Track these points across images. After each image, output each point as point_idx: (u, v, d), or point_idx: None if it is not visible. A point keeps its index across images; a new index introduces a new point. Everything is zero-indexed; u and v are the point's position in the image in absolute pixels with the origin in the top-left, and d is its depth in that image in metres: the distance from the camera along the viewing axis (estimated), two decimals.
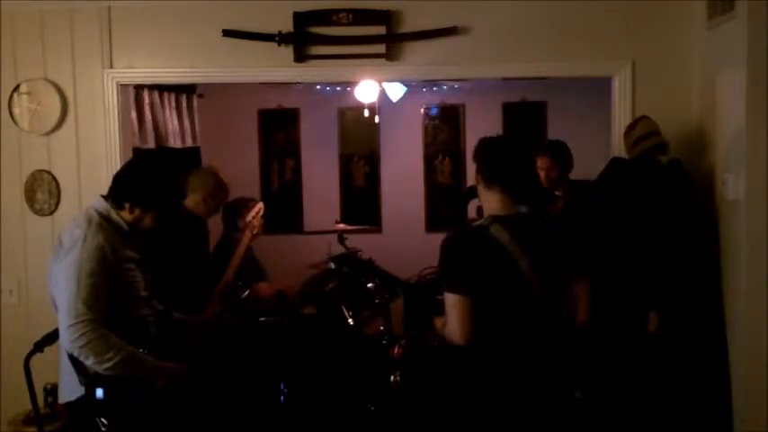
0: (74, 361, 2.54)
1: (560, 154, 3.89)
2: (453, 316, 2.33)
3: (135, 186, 2.72)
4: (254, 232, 3.88)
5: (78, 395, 2.59)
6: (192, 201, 3.67)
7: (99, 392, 2.52)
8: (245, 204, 4.09)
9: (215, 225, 4.24)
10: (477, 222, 2.46)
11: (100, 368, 2.49)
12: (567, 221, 3.04)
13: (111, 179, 3.66)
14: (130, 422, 2.56)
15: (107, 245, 2.57)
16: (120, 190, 2.72)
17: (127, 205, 2.69)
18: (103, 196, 2.74)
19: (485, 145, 2.51)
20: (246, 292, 3.62)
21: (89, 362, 2.48)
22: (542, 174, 3.83)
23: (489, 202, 2.46)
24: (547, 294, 2.37)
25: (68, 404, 2.70)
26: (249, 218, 3.88)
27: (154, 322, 2.76)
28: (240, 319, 3.66)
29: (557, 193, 3.90)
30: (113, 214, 2.68)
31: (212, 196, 3.74)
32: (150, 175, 2.78)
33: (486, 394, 2.40)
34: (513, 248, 2.33)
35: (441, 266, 2.44)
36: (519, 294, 2.35)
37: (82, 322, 2.45)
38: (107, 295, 2.53)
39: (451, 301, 2.34)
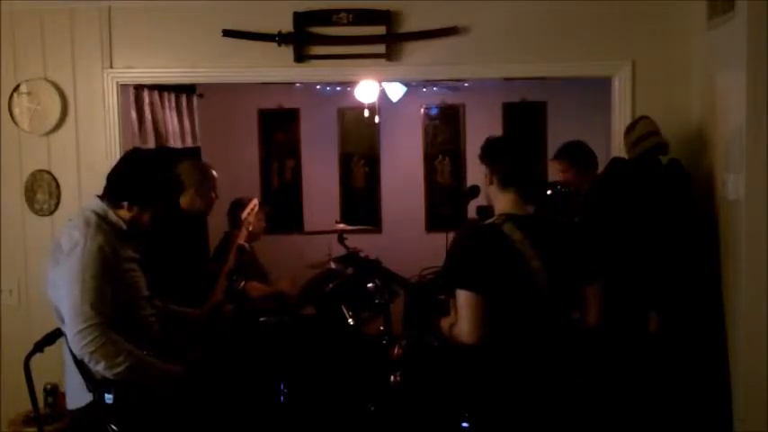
0: (80, 366, 2.50)
1: (574, 155, 3.92)
2: (465, 314, 2.31)
3: (132, 185, 2.67)
4: (250, 228, 3.88)
5: (87, 401, 2.54)
6: (186, 198, 3.61)
7: (108, 397, 2.47)
8: (244, 203, 4.10)
9: (215, 225, 4.25)
10: (489, 220, 2.45)
11: (109, 373, 2.45)
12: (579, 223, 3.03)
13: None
14: (140, 427, 2.53)
15: (107, 246, 2.52)
16: (117, 189, 2.67)
17: (125, 204, 2.65)
18: (99, 196, 2.69)
19: (498, 145, 2.52)
20: (242, 283, 3.63)
21: (99, 367, 2.44)
22: (561, 176, 3.93)
23: (502, 201, 2.46)
24: (555, 295, 2.37)
25: (77, 411, 2.63)
26: (244, 215, 3.89)
27: (156, 322, 2.73)
28: (239, 312, 3.66)
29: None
30: (111, 214, 2.63)
31: (203, 186, 3.66)
32: (147, 173, 2.74)
33: (493, 393, 2.39)
34: (525, 248, 2.33)
35: (453, 263, 2.43)
36: (528, 294, 2.34)
37: (91, 326, 2.41)
38: (111, 296, 2.49)
39: (464, 298, 2.32)
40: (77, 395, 2.59)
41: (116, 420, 2.49)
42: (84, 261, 2.46)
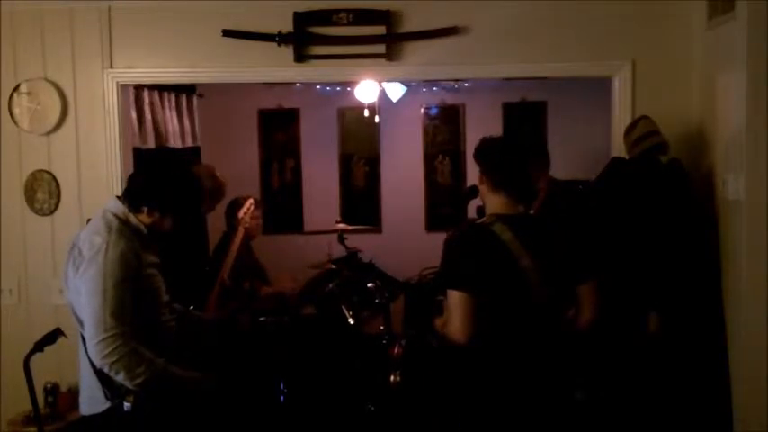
0: (98, 374, 2.46)
1: (540, 153, 3.95)
2: (456, 314, 2.33)
3: (154, 190, 2.58)
4: (246, 226, 3.90)
5: (104, 408, 2.50)
6: None
7: (126, 406, 2.44)
8: (241, 203, 4.11)
9: (215, 226, 4.25)
10: (480, 221, 2.46)
11: (130, 383, 2.41)
12: (560, 221, 3.03)
13: (111, 178, 3.76)
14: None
15: (130, 251, 2.46)
16: (138, 193, 2.59)
17: (145, 209, 2.57)
18: (118, 197, 2.62)
19: (490, 148, 2.52)
20: (249, 286, 3.64)
21: (119, 377, 2.41)
22: None
23: (493, 203, 2.47)
24: (548, 293, 2.37)
25: (92, 417, 2.58)
26: (241, 214, 3.91)
27: (174, 327, 2.67)
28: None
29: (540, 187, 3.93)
30: (132, 218, 2.55)
31: (210, 195, 3.71)
32: (170, 179, 2.65)
33: (487, 393, 2.40)
34: (515, 247, 2.33)
35: (444, 264, 2.44)
36: (520, 293, 2.35)
37: (112, 336, 2.37)
38: (132, 303, 2.44)
39: (454, 298, 2.33)
40: (93, 401, 2.54)
41: (134, 429, 2.46)
42: (106, 269, 2.40)
